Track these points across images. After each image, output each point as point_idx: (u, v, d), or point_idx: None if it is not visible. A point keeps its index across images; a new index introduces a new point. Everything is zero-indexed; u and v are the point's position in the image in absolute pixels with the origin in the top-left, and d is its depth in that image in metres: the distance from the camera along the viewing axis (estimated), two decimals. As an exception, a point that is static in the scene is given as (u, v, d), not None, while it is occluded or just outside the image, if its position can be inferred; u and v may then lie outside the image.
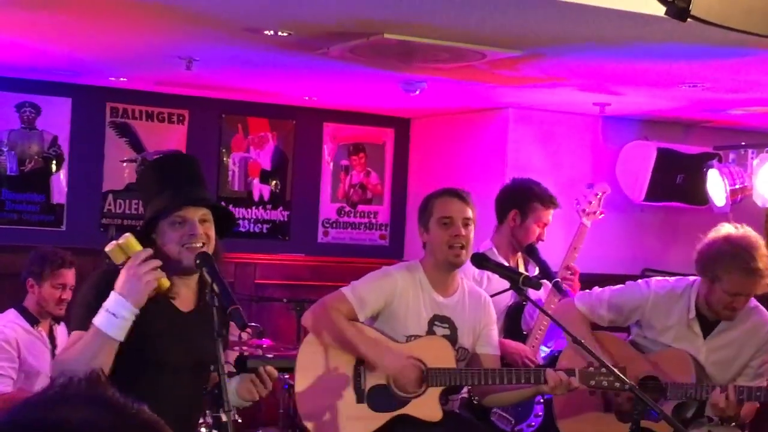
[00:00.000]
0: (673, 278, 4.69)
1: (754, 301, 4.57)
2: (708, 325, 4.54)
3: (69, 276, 5.43)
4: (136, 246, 3.23)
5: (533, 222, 5.27)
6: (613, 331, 4.83)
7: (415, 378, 4.25)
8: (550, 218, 5.33)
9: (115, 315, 3.16)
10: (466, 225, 4.38)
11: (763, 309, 4.63)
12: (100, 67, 6.77)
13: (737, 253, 4.33)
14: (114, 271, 3.32)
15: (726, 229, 4.47)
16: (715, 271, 4.37)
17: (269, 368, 3.48)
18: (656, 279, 4.71)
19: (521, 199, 5.33)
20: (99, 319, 3.18)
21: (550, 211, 5.32)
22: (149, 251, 3.24)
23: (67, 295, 5.37)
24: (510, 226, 5.31)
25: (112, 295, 3.19)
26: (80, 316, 3.36)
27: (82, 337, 3.25)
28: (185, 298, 3.46)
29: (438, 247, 4.39)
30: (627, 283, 4.74)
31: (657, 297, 4.58)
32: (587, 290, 4.83)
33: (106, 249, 3.24)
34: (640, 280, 4.74)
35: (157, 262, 3.21)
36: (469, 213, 4.41)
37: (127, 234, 3.26)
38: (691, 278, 4.58)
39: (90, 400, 1.25)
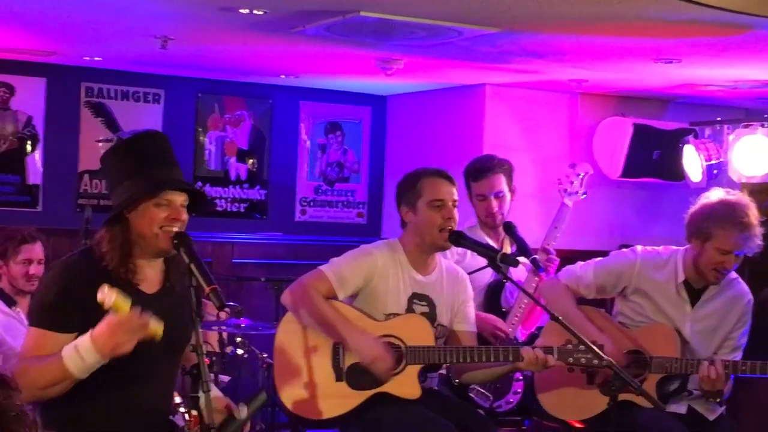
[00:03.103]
0: (658, 247, 4.73)
1: (734, 273, 4.65)
2: (693, 294, 4.60)
3: (34, 250, 5.41)
4: (124, 307, 3.12)
5: (473, 198, 5.28)
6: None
7: (390, 366, 4.23)
8: (488, 189, 5.23)
9: (83, 359, 3.14)
10: (455, 207, 4.39)
11: (742, 281, 4.72)
12: (74, 47, 6.72)
13: (733, 209, 4.44)
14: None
15: (718, 192, 4.58)
16: (708, 228, 4.44)
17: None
18: (642, 247, 4.74)
19: (465, 177, 5.32)
20: (67, 354, 3.15)
21: (484, 182, 5.24)
22: (136, 317, 3.13)
23: (36, 269, 5.36)
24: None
25: (87, 339, 3.13)
26: (39, 311, 3.35)
27: (42, 337, 3.25)
28: (150, 279, 3.44)
29: (428, 229, 4.37)
30: (612, 252, 4.78)
31: (644, 262, 4.64)
32: (569, 265, 4.85)
33: (99, 297, 3.10)
34: (625, 249, 4.77)
35: (141, 326, 3.13)
36: (456, 195, 4.43)
37: (115, 292, 3.10)
38: (675, 247, 4.65)
39: None
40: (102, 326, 3.13)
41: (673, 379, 4.53)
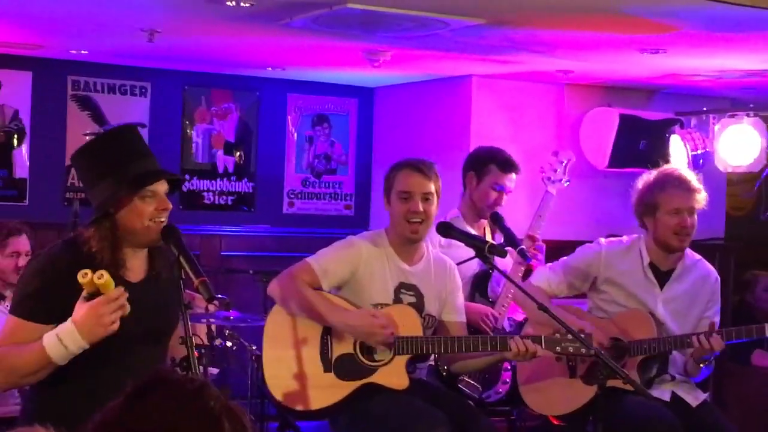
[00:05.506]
0: (621, 237, 4.84)
1: (697, 255, 4.78)
2: (661, 277, 4.67)
3: (20, 243, 5.43)
4: (111, 285, 3.11)
5: (488, 185, 5.27)
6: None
7: (388, 333, 4.23)
8: (509, 183, 5.30)
9: (66, 347, 3.12)
10: (426, 200, 4.38)
11: (706, 261, 4.81)
12: (60, 40, 6.71)
13: (666, 173, 4.71)
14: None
15: (648, 173, 4.77)
16: (653, 199, 4.62)
17: None
18: (605, 238, 4.83)
19: (478, 162, 5.35)
20: (48, 343, 3.13)
21: (509, 176, 5.30)
22: (122, 293, 3.14)
23: (24, 262, 5.36)
24: (469, 190, 5.33)
25: (69, 325, 3.12)
26: (20, 301, 3.33)
27: (20, 326, 3.24)
28: (135, 269, 3.43)
29: (397, 220, 4.42)
30: (577, 248, 4.83)
31: (609, 251, 4.73)
32: (540, 266, 4.91)
33: (80, 279, 3.09)
34: (589, 243, 4.84)
35: (124, 304, 3.13)
36: (431, 187, 4.41)
37: (104, 272, 3.10)
38: (636, 235, 4.75)
39: None
40: (85, 310, 3.11)
41: (653, 362, 4.57)
